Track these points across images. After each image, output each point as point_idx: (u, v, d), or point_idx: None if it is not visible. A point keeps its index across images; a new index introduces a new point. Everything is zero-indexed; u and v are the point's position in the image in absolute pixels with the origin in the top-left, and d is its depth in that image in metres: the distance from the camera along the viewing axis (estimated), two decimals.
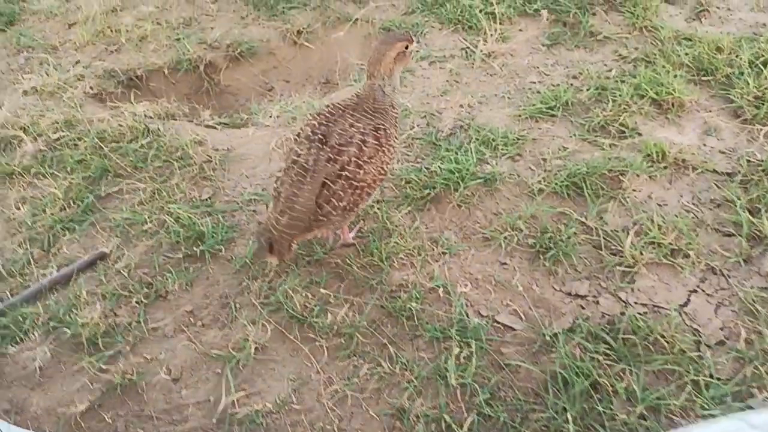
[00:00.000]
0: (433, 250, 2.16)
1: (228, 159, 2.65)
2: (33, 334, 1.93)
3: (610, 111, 2.71)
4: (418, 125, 2.81)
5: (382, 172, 1.92)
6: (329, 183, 1.80)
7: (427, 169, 2.47)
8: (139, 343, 1.91)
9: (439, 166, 2.45)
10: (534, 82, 3.07)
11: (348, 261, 2.12)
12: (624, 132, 2.63)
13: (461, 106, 2.93)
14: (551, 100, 2.83)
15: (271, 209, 1.87)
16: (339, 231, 2.15)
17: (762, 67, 2.82)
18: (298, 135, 1.91)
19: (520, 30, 3.41)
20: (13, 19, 3.92)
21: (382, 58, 1.91)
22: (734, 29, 3.32)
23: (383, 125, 1.91)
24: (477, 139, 2.62)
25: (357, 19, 3.76)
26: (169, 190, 2.46)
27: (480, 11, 3.50)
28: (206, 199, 2.44)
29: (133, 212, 2.36)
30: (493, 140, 2.61)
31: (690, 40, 3.21)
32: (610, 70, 3.06)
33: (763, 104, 2.63)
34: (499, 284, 2.05)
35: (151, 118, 2.90)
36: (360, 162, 1.82)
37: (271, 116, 2.97)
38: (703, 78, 2.89)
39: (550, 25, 3.47)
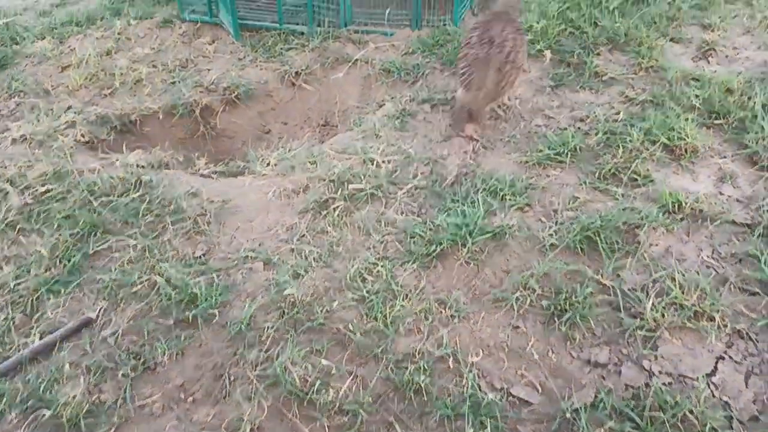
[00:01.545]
0: (441, 313, 2.03)
1: (224, 211, 2.54)
2: (10, 414, 1.79)
3: (621, 158, 2.61)
4: (421, 173, 2.70)
5: (525, 58, 2.96)
6: (502, 68, 2.75)
7: (432, 222, 2.35)
8: (124, 424, 1.76)
9: (444, 220, 2.33)
10: (540, 126, 2.97)
11: (350, 327, 1.98)
12: (636, 180, 2.52)
13: (465, 151, 2.83)
14: (559, 146, 2.73)
15: (465, 93, 2.85)
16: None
17: None
18: (469, 41, 2.85)
19: (524, 71, 3.33)
20: (6, 62, 3.85)
21: None
22: (743, 68, 3.25)
23: (519, 27, 2.91)
24: (484, 189, 2.51)
25: (356, 60, 3.69)
26: (160, 247, 2.34)
27: None
28: (200, 257, 2.31)
29: (122, 272, 2.24)
30: (501, 189, 2.50)
31: (698, 80, 3.13)
32: (618, 113, 2.97)
33: None
34: (512, 351, 1.91)
35: (143, 168, 2.79)
36: (517, 51, 2.79)
37: (268, 164, 2.86)
38: (715, 121, 2.79)
39: (553, 66, 3.39)
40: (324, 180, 2.64)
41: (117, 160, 2.82)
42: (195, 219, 2.46)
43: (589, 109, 3.03)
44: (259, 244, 2.36)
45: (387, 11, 3.93)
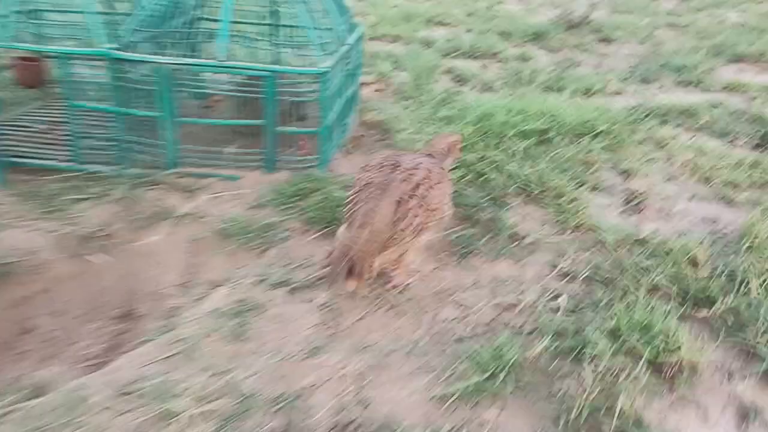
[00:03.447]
0: None
1: None
2: None
3: (591, 387, 1.64)
4: (267, 428, 1.52)
5: (445, 202, 2.07)
6: (404, 200, 1.92)
7: None
8: None
9: None
10: (452, 321, 1.98)
11: None
12: (624, 428, 1.54)
13: (342, 376, 1.73)
14: (490, 363, 1.72)
15: (345, 231, 1.94)
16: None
17: None
18: (367, 165, 2.09)
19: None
20: None
21: (444, 139, 2.32)
22: (685, 226, 2.57)
23: (442, 167, 2.20)
24: None
25: (182, 216, 2.56)
26: None
27: None
28: None
29: None
30: None
31: (643, 245, 2.37)
32: (556, 298, 2.07)
33: None
34: None
35: None
36: (430, 185, 1.99)
37: None
38: (697, 313, 1.97)
39: (458, 224, 2.50)
40: None
41: None
42: None
43: (516, 290, 2.12)
44: None
45: (230, 149, 2.91)
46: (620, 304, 1.96)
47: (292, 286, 2.11)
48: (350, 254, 1.84)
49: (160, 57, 2.70)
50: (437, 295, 2.12)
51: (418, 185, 1.96)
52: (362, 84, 4.23)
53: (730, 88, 4.49)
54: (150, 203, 2.62)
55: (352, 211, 1.94)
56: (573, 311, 2.01)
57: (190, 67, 2.71)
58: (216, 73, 2.89)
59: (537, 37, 6.18)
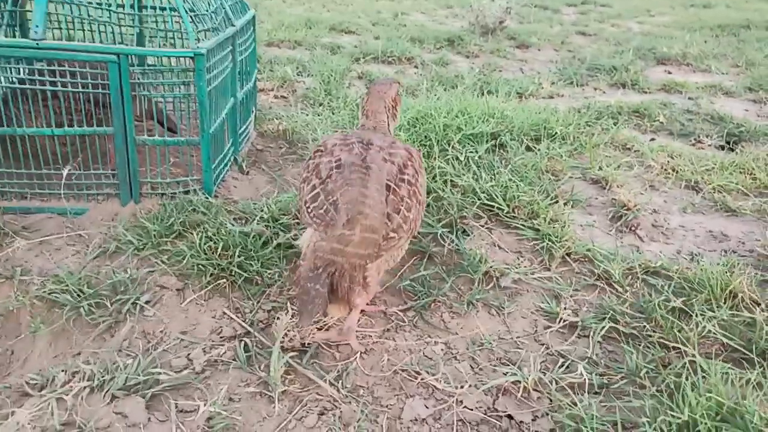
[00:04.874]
0: None
1: None
2: None
3: None
4: None
5: (425, 193, 1.54)
6: (394, 186, 1.39)
7: None
8: None
9: None
10: (426, 420, 1.23)
11: None
12: None
13: None
14: None
15: (322, 234, 1.31)
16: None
17: None
18: (320, 146, 1.50)
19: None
20: None
21: (385, 96, 1.65)
22: (693, 246, 1.99)
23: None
24: None
25: None
26: None
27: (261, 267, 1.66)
28: None
29: None
30: None
31: (659, 275, 1.75)
32: (569, 367, 1.38)
33: None
34: None
35: None
36: (414, 167, 1.47)
37: None
38: None
39: (409, 260, 1.76)
40: None
41: None
42: None
43: (507, 358, 1.41)
44: None
45: (66, 170, 1.98)
46: (671, 374, 1.29)
47: (153, 390, 1.26)
48: (334, 265, 1.28)
49: None
50: (396, 376, 1.35)
51: (404, 166, 1.44)
52: (260, 90, 3.44)
53: (668, 88, 4.15)
54: None
55: (325, 207, 1.34)
56: (602, 389, 1.32)
57: None
58: (37, 59, 1.98)
59: (451, 42, 5.70)
